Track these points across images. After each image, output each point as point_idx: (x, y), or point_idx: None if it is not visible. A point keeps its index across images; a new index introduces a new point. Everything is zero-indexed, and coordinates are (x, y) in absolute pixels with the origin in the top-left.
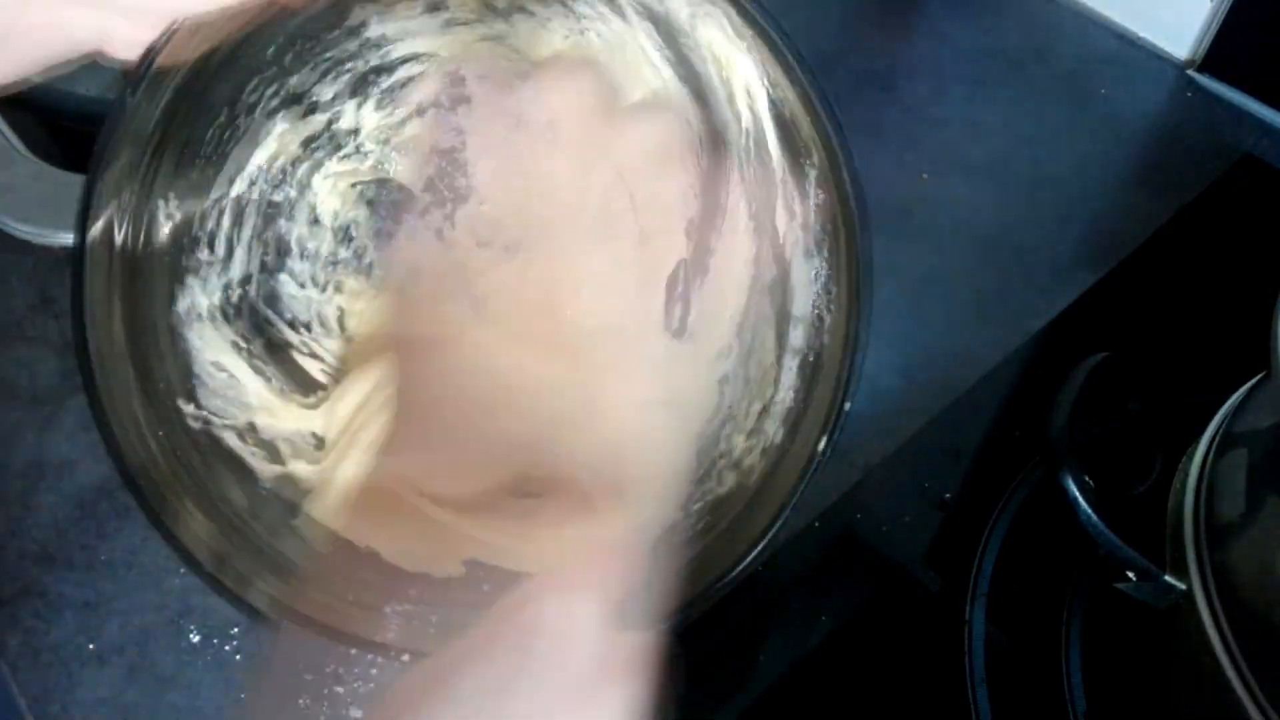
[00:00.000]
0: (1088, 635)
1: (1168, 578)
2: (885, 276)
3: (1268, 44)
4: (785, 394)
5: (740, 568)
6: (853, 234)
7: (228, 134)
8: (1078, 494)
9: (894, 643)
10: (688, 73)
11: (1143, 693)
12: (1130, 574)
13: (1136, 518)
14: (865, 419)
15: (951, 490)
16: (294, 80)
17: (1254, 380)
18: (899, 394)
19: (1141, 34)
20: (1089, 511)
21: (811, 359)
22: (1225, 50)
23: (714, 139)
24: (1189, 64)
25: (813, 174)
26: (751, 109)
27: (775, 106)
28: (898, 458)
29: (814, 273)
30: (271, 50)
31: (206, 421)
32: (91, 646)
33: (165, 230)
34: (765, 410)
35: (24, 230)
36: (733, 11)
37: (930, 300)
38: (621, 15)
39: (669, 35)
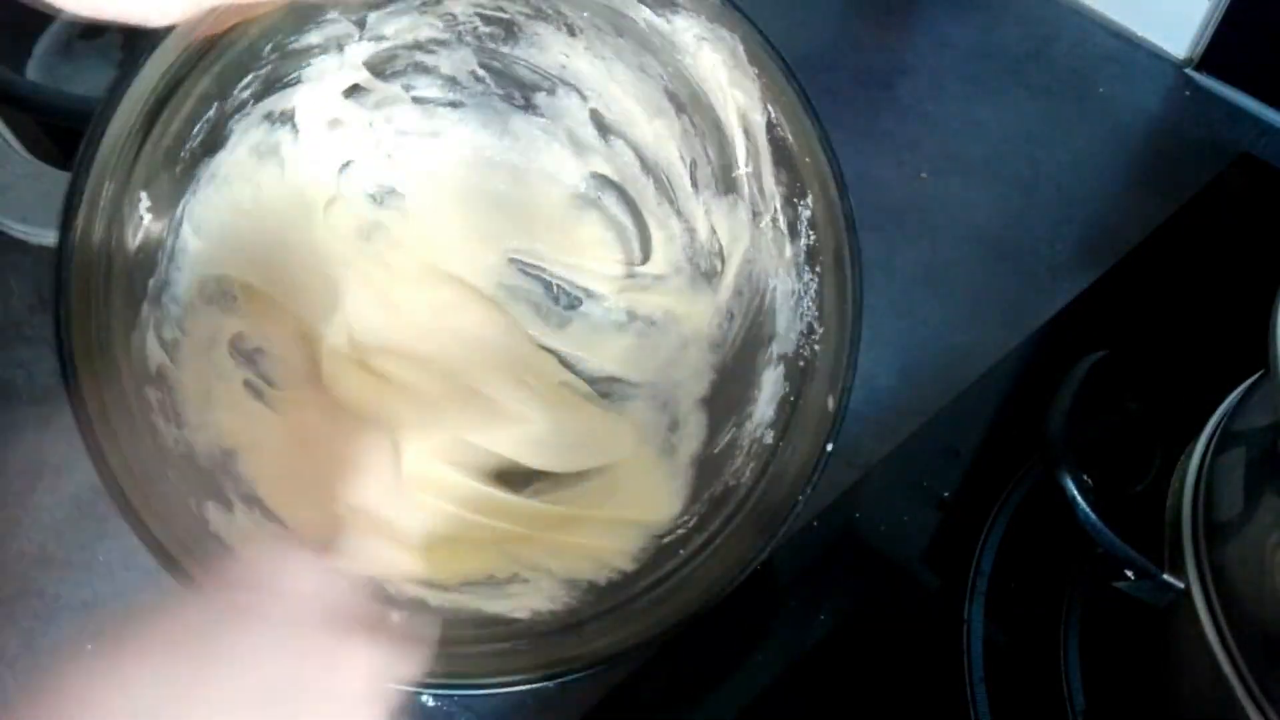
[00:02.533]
0: (1086, 634)
1: (1166, 576)
2: (883, 275)
3: (1266, 43)
4: (767, 402)
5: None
6: (847, 266)
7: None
8: (1076, 493)
9: (893, 641)
10: (685, 94)
11: (1141, 691)
12: (1128, 572)
13: (1135, 516)
14: (863, 419)
15: (950, 489)
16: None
17: (1252, 379)
18: (897, 393)
19: (1140, 33)
20: (1087, 510)
21: (801, 365)
22: (1223, 49)
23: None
24: (1187, 63)
25: (806, 215)
26: (749, 137)
27: (774, 138)
28: (896, 457)
29: (801, 288)
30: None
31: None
32: (90, 647)
33: (137, 238)
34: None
35: (21, 230)
36: (740, 45)
37: (928, 299)
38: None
39: (669, 58)
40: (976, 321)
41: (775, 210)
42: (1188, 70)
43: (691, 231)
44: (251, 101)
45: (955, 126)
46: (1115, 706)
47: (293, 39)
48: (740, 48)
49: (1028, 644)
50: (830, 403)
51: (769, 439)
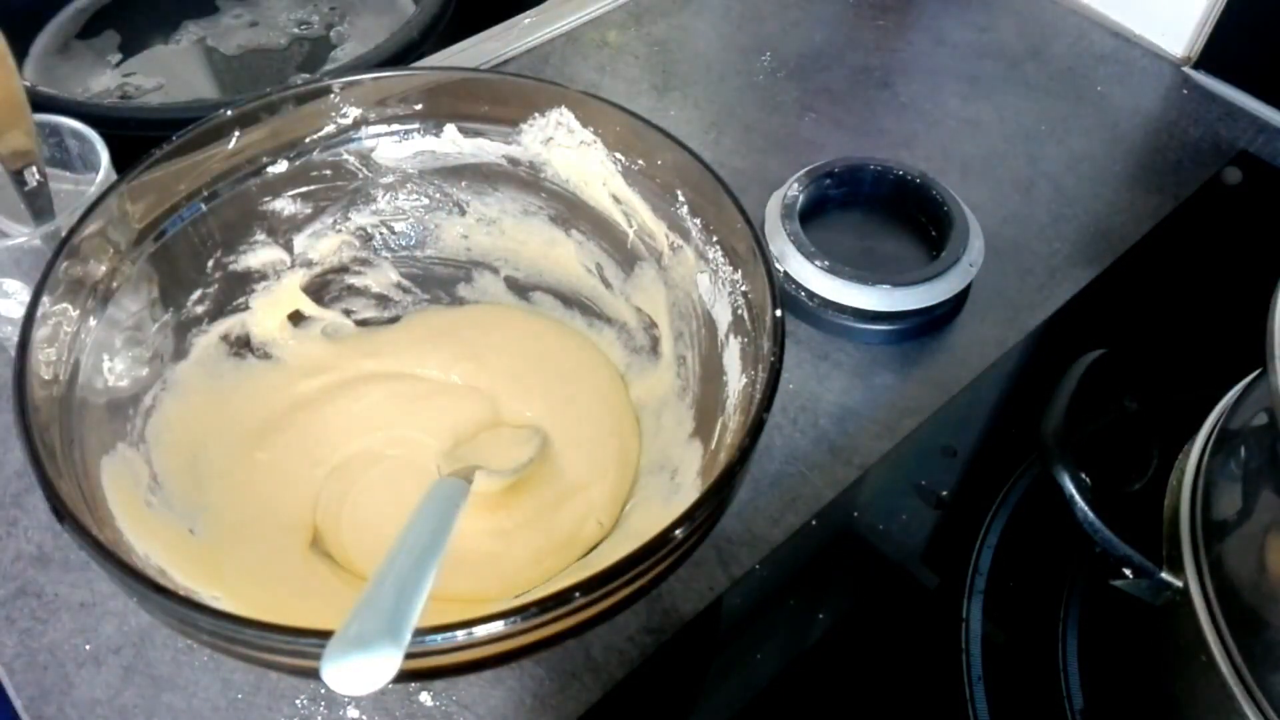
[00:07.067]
0: (1084, 632)
1: (1164, 575)
2: None
3: (1264, 41)
4: (736, 377)
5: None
6: (731, 210)
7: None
8: (1074, 491)
9: (891, 641)
10: (564, 209)
11: (1139, 689)
12: (1127, 571)
13: (1133, 515)
14: (862, 418)
15: (948, 488)
16: None
17: (1250, 377)
18: (895, 392)
19: (1138, 31)
20: (1085, 509)
21: (741, 314)
22: (1221, 47)
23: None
24: (1185, 61)
25: (692, 220)
26: (620, 200)
27: (635, 181)
28: (894, 456)
29: (716, 272)
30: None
31: None
32: (88, 647)
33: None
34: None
35: (20, 230)
36: (571, 115)
37: None
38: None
39: (537, 180)
40: (974, 320)
41: (668, 241)
42: (1185, 69)
43: (622, 326)
44: (206, 320)
45: (952, 125)
46: (1114, 705)
47: (230, 259)
48: (572, 118)
49: (1026, 643)
50: (772, 311)
51: (747, 389)
